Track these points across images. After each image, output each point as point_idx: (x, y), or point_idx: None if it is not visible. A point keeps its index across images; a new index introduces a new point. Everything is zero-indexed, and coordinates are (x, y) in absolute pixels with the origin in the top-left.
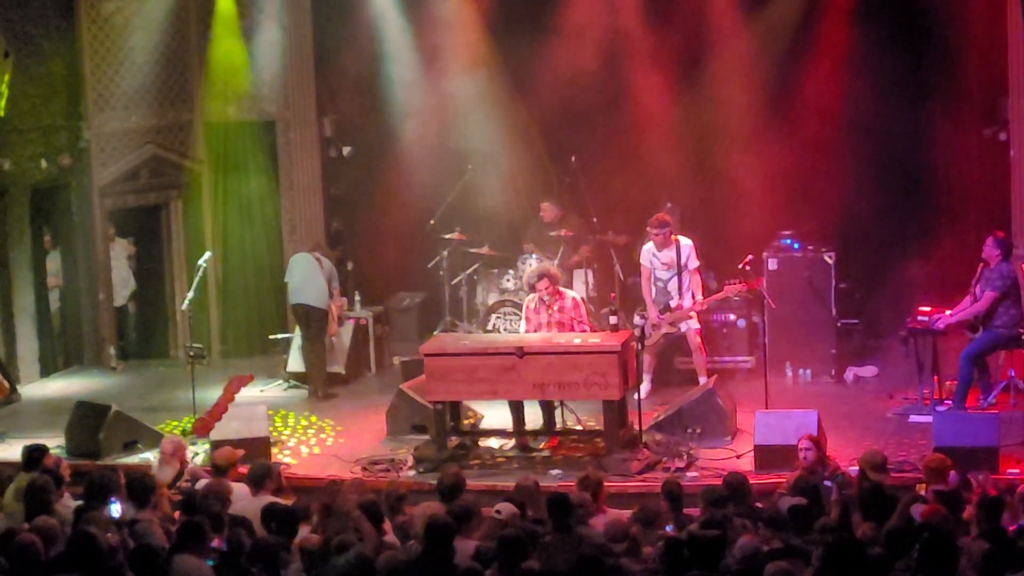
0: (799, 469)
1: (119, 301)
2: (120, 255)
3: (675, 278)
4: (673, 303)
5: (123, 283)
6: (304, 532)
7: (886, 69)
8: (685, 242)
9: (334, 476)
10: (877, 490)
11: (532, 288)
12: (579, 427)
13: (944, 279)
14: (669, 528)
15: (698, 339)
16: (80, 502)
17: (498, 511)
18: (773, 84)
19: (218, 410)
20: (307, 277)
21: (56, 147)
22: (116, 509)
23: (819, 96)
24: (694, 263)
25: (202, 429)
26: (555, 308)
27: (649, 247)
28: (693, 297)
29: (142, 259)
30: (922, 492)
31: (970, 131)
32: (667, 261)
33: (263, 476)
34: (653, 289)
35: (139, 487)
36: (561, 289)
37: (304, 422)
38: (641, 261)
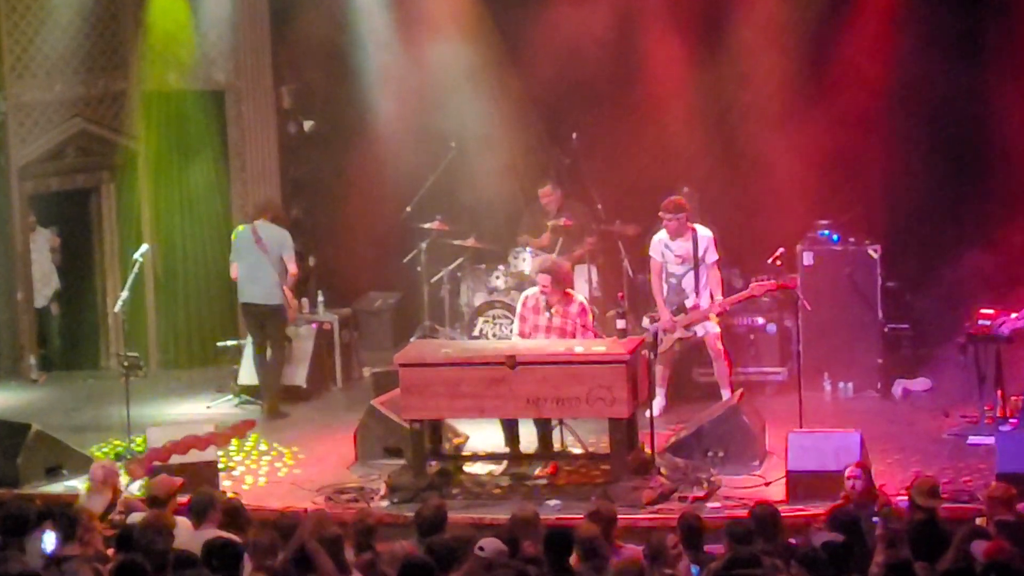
0: (842, 500)
1: (40, 302)
2: (42, 248)
3: (690, 273)
4: (689, 302)
5: (45, 280)
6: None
7: (939, 30)
8: (703, 232)
9: (291, 508)
10: (930, 523)
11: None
12: (581, 450)
13: (1010, 276)
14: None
15: (719, 346)
16: None
17: (481, 548)
18: (808, 50)
19: (167, 451)
20: (252, 266)
21: None
22: (49, 540)
23: (861, 64)
24: (712, 257)
25: (138, 469)
26: (554, 311)
27: (661, 237)
28: (711, 296)
29: (68, 252)
30: (982, 524)
31: None
32: (681, 254)
33: (207, 507)
34: (665, 287)
35: (63, 519)
36: (569, 292)
37: (262, 444)
38: (651, 254)
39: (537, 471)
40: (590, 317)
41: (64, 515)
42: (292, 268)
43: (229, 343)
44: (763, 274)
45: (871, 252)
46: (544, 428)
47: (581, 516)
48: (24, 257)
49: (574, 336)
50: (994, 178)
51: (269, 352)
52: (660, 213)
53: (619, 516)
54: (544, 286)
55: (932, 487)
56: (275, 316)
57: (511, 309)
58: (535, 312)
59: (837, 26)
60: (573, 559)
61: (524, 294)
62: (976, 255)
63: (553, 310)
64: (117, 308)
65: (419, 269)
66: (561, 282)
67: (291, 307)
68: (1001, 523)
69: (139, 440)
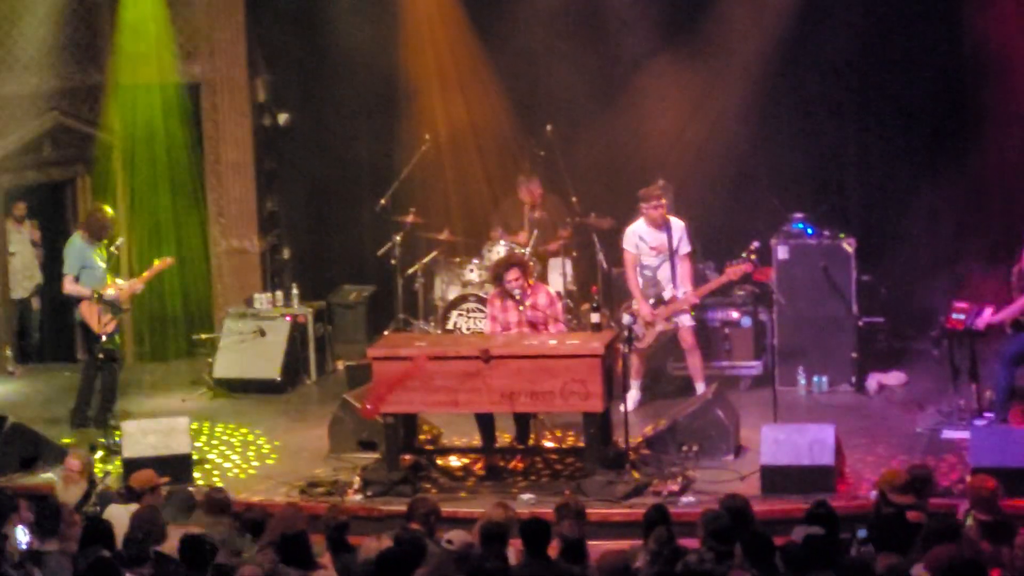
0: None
1: (20, 293)
2: (23, 239)
3: (665, 265)
4: (666, 294)
5: (26, 272)
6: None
7: (912, 13)
8: (677, 223)
9: (264, 502)
10: (899, 517)
11: (499, 280)
12: (555, 444)
13: (988, 269)
14: None
15: (692, 339)
16: None
17: (449, 541)
18: (781, 42)
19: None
20: None
21: None
22: (22, 534)
23: (835, 55)
24: (686, 248)
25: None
26: (526, 305)
27: (635, 229)
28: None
29: (44, 245)
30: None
31: None
32: (656, 245)
33: (187, 503)
34: (640, 279)
35: (44, 512)
36: (534, 282)
37: (234, 436)
38: (624, 246)
39: (510, 465)
40: (559, 307)
41: (46, 508)
42: (65, 283)
43: (204, 336)
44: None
45: (846, 246)
46: (522, 424)
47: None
48: (1, 249)
49: (546, 327)
50: (969, 173)
51: None
52: (641, 203)
53: (592, 510)
54: (516, 280)
55: (903, 483)
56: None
57: (485, 302)
58: (504, 311)
59: (809, 16)
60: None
61: (491, 294)
62: (951, 249)
63: (528, 303)
64: (94, 300)
65: (393, 262)
66: (528, 273)
67: (88, 319)
68: (980, 522)
69: (116, 433)
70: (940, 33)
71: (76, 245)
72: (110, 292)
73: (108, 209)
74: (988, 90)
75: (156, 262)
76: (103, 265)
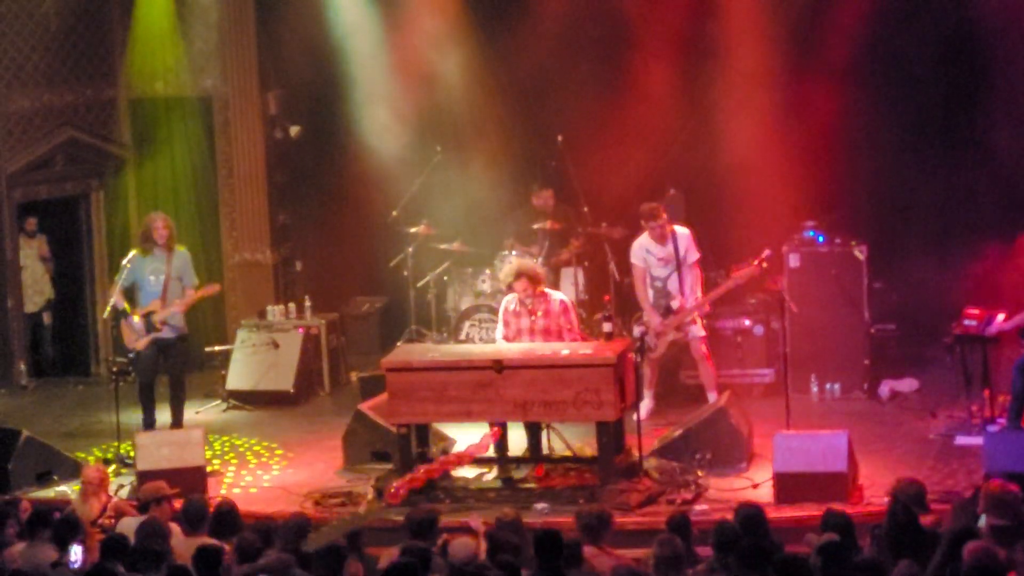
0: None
1: (30, 308)
2: (32, 254)
3: (674, 275)
4: (675, 304)
5: (36, 288)
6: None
7: (922, 23)
8: (682, 232)
9: (279, 512)
10: (912, 525)
11: (509, 288)
12: (568, 453)
13: (1000, 276)
14: None
15: (704, 348)
16: None
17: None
18: (792, 43)
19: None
20: None
21: None
22: (76, 553)
23: (845, 62)
24: (694, 255)
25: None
26: (539, 313)
27: (642, 242)
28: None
29: (57, 260)
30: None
31: None
32: (664, 256)
33: (200, 514)
34: (650, 292)
35: (63, 525)
36: (546, 291)
37: (247, 447)
38: (632, 260)
39: (524, 474)
40: (573, 315)
41: (66, 521)
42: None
43: (217, 348)
44: (743, 265)
45: (857, 253)
46: (534, 433)
47: (568, 519)
48: (13, 264)
49: (559, 335)
50: (981, 180)
51: None
52: (642, 221)
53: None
54: (525, 289)
55: (918, 493)
56: None
57: (497, 312)
58: (517, 317)
59: (818, 22)
60: None
61: (505, 300)
62: (962, 255)
63: (540, 312)
64: (106, 314)
65: (406, 273)
66: (537, 282)
67: (122, 332)
68: (994, 527)
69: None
70: (947, 29)
71: (128, 258)
72: (134, 319)
73: (154, 214)
74: (999, 92)
75: (200, 289)
76: (151, 278)
